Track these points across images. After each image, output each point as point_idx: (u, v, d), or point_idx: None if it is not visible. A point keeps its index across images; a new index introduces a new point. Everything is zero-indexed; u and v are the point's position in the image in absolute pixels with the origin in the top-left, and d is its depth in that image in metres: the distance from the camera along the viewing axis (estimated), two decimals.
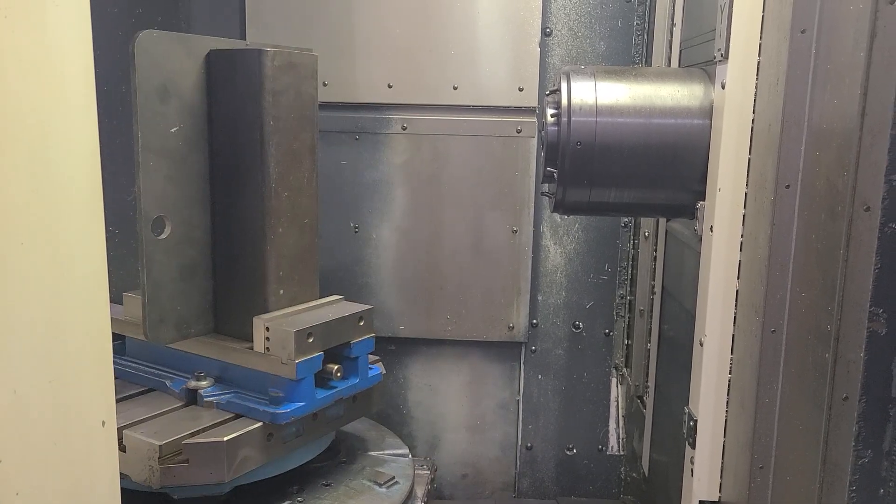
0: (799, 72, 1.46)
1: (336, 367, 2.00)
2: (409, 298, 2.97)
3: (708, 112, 1.87)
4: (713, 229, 1.80)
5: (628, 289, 2.96)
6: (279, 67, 1.96)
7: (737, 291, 1.76)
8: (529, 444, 3.11)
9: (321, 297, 2.22)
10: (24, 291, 0.94)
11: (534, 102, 2.82)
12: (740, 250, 1.74)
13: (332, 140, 2.89)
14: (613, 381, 3.05)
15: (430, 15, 2.80)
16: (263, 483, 2.00)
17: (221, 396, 1.98)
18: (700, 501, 1.88)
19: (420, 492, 2.32)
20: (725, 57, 1.75)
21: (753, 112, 1.69)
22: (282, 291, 2.03)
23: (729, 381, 1.78)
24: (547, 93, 1.96)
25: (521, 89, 2.81)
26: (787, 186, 1.48)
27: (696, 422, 1.86)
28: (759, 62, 1.67)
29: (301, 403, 1.90)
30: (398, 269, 2.96)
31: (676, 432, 2.07)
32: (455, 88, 2.82)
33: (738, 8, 1.69)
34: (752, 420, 1.64)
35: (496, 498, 3.14)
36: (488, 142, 2.85)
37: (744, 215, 1.73)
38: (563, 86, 1.90)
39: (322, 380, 2.00)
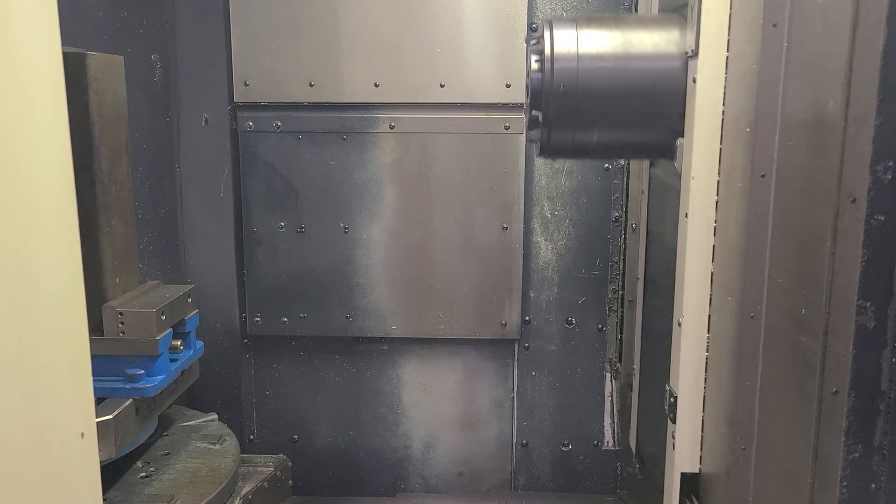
0: (771, 64, 1.48)
1: (179, 341, 2.23)
2: (401, 298, 2.95)
3: (684, 55, 1.93)
4: (688, 216, 1.87)
5: (620, 283, 2.95)
6: (100, 69, 2.06)
7: (711, 274, 1.83)
8: (525, 442, 3.10)
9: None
10: None
11: (522, 99, 2.80)
12: (714, 235, 1.82)
13: (320, 140, 2.87)
14: (607, 376, 3.04)
15: (415, 13, 2.78)
16: (109, 467, 2.11)
17: None
18: (682, 474, 1.96)
19: (247, 488, 2.34)
20: (696, 53, 1.81)
21: (723, 105, 1.76)
22: (118, 280, 2.16)
23: (706, 358, 1.86)
24: (533, 42, 1.99)
25: (508, 86, 2.80)
26: (763, 176, 1.51)
27: (675, 398, 1.94)
28: (727, 58, 1.73)
29: (162, 376, 2.11)
30: (389, 268, 2.94)
31: (661, 413, 2.09)
32: (442, 86, 2.80)
33: (706, 6, 1.75)
34: (729, 395, 1.74)
35: (492, 493, 3.13)
36: (476, 139, 2.84)
37: (716, 202, 1.80)
38: (546, 34, 1.95)
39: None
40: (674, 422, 1.97)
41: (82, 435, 1.12)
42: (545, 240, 2.95)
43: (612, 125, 1.99)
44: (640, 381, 2.67)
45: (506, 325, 2.94)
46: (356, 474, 3.15)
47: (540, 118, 1.95)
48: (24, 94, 0.97)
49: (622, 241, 2.92)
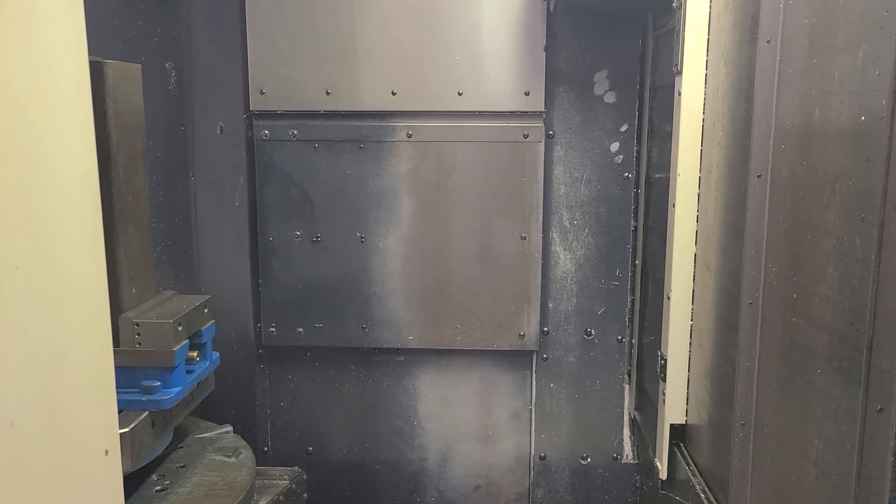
0: (766, 76, 1.67)
1: (196, 352, 2.19)
2: (418, 308, 2.92)
3: None
4: (675, 206, 2.19)
5: (640, 294, 2.90)
6: (118, 78, 2.04)
7: (694, 255, 2.18)
8: (543, 454, 3.05)
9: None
10: (20, 319, 0.89)
11: (540, 107, 2.78)
12: (696, 221, 2.16)
13: (337, 149, 2.85)
14: (627, 388, 2.99)
15: (433, 21, 2.75)
16: (124, 480, 2.06)
17: None
18: (671, 425, 2.31)
19: (262, 501, 2.31)
20: (680, 71, 2.15)
21: (703, 113, 2.11)
22: (133, 290, 2.14)
23: (690, 326, 2.23)
24: None
25: (527, 93, 2.77)
26: (759, 176, 1.70)
27: (665, 360, 2.29)
28: (706, 75, 2.09)
29: (179, 388, 2.08)
30: (406, 278, 2.91)
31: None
32: (460, 94, 2.77)
33: (688, 34, 2.10)
34: (710, 356, 2.05)
35: None
36: (495, 147, 2.81)
37: (698, 194, 2.15)
38: None
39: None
40: (664, 381, 2.31)
41: (106, 452, 1.09)
42: (564, 249, 2.92)
43: None
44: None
45: (524, 335, 2.91)
46: (371, 487, 3.11)
47: None
48: (53, 102, 0.94)
49: (642, 251, 2.88)
